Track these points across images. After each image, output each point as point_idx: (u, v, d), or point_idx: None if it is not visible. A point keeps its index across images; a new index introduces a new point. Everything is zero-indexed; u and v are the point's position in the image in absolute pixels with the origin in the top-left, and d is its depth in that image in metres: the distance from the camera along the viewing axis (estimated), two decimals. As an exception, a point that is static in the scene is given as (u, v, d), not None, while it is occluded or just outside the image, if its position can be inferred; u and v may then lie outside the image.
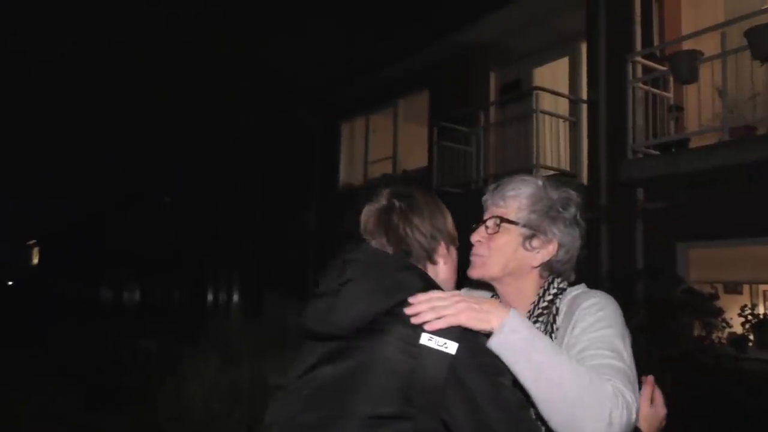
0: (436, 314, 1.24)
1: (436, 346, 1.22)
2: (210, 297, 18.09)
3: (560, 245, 1.56)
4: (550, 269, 1.58)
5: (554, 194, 1.58)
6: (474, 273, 1.59)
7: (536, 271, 1.57)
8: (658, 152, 6.37)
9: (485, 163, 8.46)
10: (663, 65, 6.60)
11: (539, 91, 7.64)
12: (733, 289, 6.69)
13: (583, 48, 8.08)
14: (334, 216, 11.83)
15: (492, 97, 9.50)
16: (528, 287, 1.57)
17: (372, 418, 1.21)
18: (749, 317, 5.77)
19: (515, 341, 1.26)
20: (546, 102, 7.84)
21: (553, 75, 8.78)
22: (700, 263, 6.52)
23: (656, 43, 6.98)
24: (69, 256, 33.91)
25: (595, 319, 1.43)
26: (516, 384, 1.26)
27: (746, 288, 6.74)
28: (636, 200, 6.85)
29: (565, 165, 7.94)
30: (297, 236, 13.28)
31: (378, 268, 1.34)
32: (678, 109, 6.52)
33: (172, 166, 21.45)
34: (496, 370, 1.24)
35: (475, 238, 1.59)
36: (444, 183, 8.55)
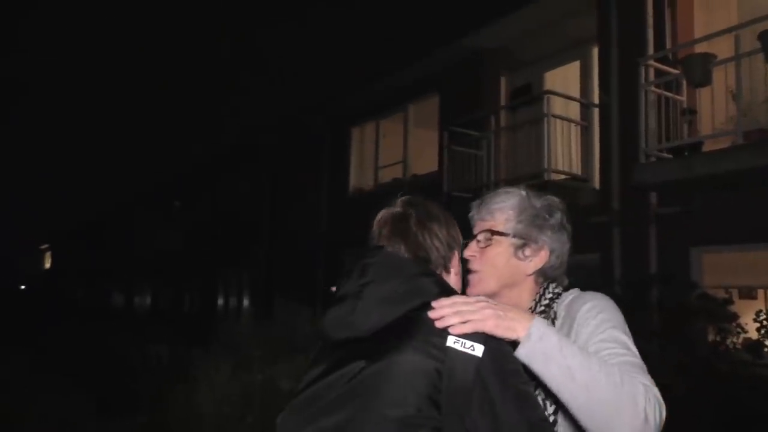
0: (461, 318, 1.24)
1: (463, 349, 1.21)
2: (221, 302, 18.12)
3: (551, 251, 1.60)
4: (544, 276, 1.61)
5: (537, 203, 1.62)
6: (472, 291, 1.61)
7: (531, 279, 1.61)
8: (671, 156, 6.32)
9: (496, 167, 8.44)
10: (676, 68, 6.55)
11: (550, 95, 7.61)
12: (748, 294, 6.61)
13: (595, 51, 8.04)
14: (344, 220, 11.84)
15: (503, 101, 9.48)
16: (524, 296, 1.60)
17: (397, 422, 1.19)
18: (764, 322, 5.70)
19: (544, 349, 1.26)
20: (557, 106, 7.81)
21: (564, 79, 8.74)
22: (714, 268, 6.46)
23: (669, 46, 6.93)
24: (80, 260, 34.11)
25: (598, 321, 1.45)
26: (540, 388, 1.26)
27: (761, 293, 6.66)
28: (649, 204, 6.80)
29: (576, 169, 7.91)
30: (307, 240, 13.29)
31: (399, 272, 1.34)
32: (691, 112, 6.48)
33: (182, 172, 21.55)
34: (520, 377, 1.24)
35: (468, 253, 1.62)
36: (454, 187, 8.52)
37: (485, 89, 9.62)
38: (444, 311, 1.25)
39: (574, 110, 8.24)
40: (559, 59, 8.91)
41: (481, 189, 8.26)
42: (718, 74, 5.99)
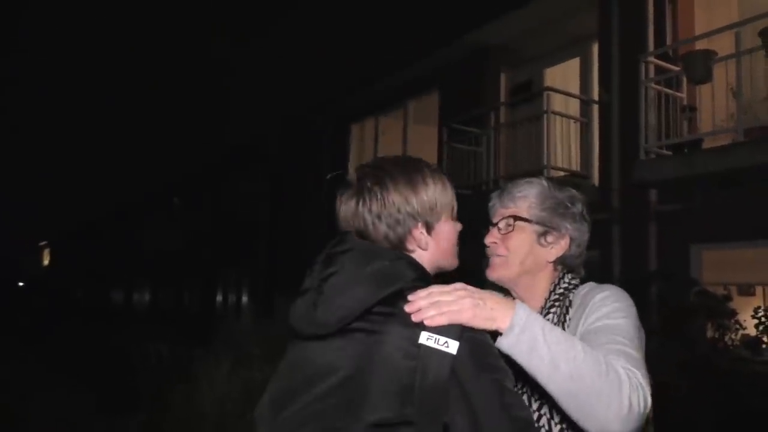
0: (438, 310, 1.17)
1: (436, 346, 1.13)
2: (220, 299, 18.13)
3: (572, 240, 1.62)
4: (563, 264, 1.63)
5: (559, 193, 1.64)
6: (493, 274, 1.62)
7: (551, 267, 1.62)
8: (671, 153, 6.32)
9: (496, 164, 8.43)
10: (676, 65, 6.55)
11: (550, 92, 7.60)
12: (747, 290, 6.63)
13: (595, 48, 8.03)
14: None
15: (503, 98, 9.46)
16: (543, 283, 1.61)
17: (373, 426, 1.12)
18: (763, 319, 5.72)
19: (527, 340, 1.22)
20: (557, 103, 7.80)
21: (564, 76, 8.73)
22: (714, 265, 6.46)
23: (669, 43, 6.92)
24: (80, 257, 34.09)
25: (611, 309, 1.46)
26: (523, 379, 1.23)
27: (759, 290, 6.68)
28: (649, 201, 6.80)
29: (576, 166, 7.90)
30: (306, 237, 13.29)
31: (363, 258, 1.23)
32: (691, 109, 6.47)
33: (182, 171, 21.55)
34: (498, 371, 1.17)
35: (489, 240, 1.64)
36: (454, 184, 8.45)
37: (485, 86, 9.60)
38: (420, 303, 1.17)
39: (574, 107, 8.24)
40: (559, 56, 8.90)
41: (480, 186, 8.27)
42: (718, 71, 5.98)
